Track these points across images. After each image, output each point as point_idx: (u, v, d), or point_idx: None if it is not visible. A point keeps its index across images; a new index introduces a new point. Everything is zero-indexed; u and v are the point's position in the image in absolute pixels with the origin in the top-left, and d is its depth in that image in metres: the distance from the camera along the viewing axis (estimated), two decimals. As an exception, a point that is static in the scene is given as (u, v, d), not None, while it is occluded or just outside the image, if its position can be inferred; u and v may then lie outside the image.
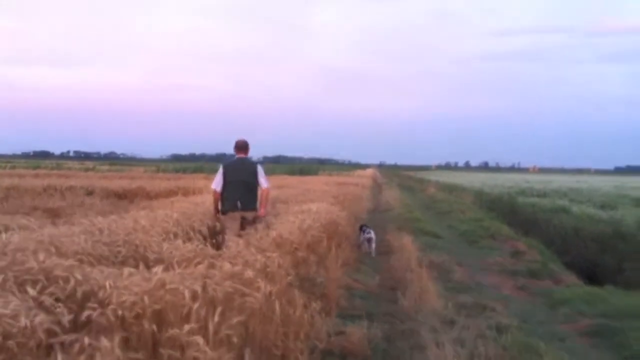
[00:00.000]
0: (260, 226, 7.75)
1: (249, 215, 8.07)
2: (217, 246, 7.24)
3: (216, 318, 3.79)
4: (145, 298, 3.82)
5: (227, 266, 4.81)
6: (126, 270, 4.32)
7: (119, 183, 21.24)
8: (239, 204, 8.02)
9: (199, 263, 5.45)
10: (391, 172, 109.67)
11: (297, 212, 9.87)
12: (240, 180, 8.16)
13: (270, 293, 4.51)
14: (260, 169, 8.30)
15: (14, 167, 47.07)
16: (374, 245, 11.04)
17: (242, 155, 8.39)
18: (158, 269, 4.40)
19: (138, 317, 3.79)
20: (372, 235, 11.11)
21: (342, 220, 10.69)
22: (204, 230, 7.78)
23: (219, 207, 8.35)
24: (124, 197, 18.54)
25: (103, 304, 3.87)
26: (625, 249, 13.46)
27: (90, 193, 18.63)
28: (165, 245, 5.94)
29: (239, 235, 7.54)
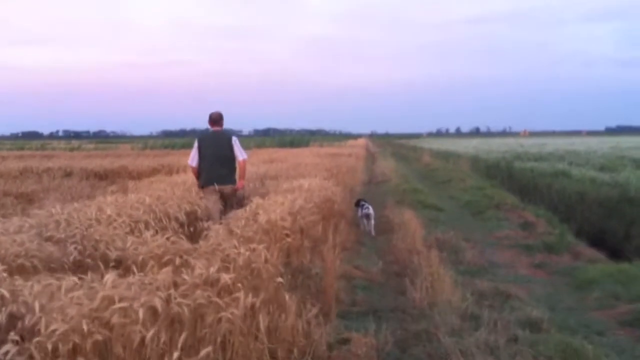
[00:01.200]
0: (243, 202, 7.72)
1: (227, 188, 7.92)
2: (196, 235, 6.35)
3: (176, 354, 2.83)
4: (85, 324, 2.88)
5: (199, 269, 3.86)
6: (65, 283, 3.37)
7: (100, 163, 20.20)
8: (215, 177, 7.85)
9: (168, 262, 4.54)
10: (383, 141, 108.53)
11: (287, 190, 8.94)
12: (215, 153, 7.96)
13: (252, 306, 3.56)
14: (235, 141, 8.08)
15: (-4, 149, 45.87)
16: (372, 222, 10.11)
17: (216, 128, 8.15)
18: (109, 278, 3.46)
19: (75, 351, 2.85)
20: (371, 210, 10.16)
21: (337, 197, 9.76)
22: (181, 216, 6.81)
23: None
24: (104, 178, 17.56)
25: (32, 333, 2.94)
26: (633, 213, 12.59)
27: (68, 174, 17.62)
28: (130, 240, 4.99)
29: (221, 212, 7.59)
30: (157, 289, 3.51)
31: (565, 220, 12.83)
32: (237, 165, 8.09)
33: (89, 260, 4.78)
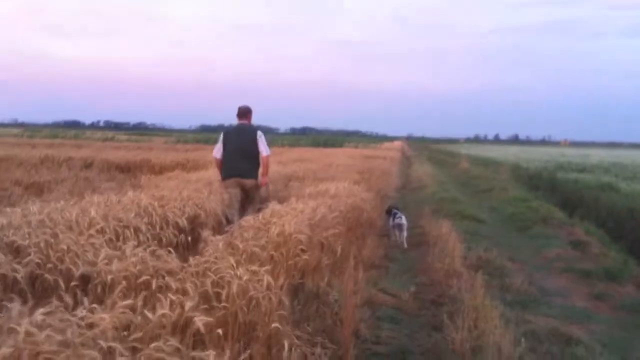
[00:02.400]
0: (265, 201, 7.28)
1: (248, 183, 7.62)
2: (195, 245, 5.40)
3: None
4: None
5: (168, 305, 2.88)
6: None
7: (122, 155, 19.47)
8: (236, 170, 7.60)
9: (144, 284, 3.60)
10: (420, 144, 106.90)
11: (310, 195, 7.98)
12: (238, 146, 7.68)
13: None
14: (260, 136, 7.75)
15: (30, 137, 45.81)
16: (405, 233, 9.03)
17: (243, 122, 7.92)
18: (38, 314, 2.51)
19: None
20: (403, 220, 9.06)
21: (367, 205, 8.72)
22: (182, 221, 5.85)
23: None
24: (126, 170, 16.82)
25: None
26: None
27: (89, 165, 16.91)
28: (103, 253, 4.02)
29: (242, 207, 7.43)
30: (103, 333, 2.55)
31: (615, 238, 11.61)
32: (260, 160, 7.73)
33: (48, 276, 3.84)
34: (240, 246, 4.54)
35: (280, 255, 4.82)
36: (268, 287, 3.69)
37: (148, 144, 40.19)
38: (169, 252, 4.24)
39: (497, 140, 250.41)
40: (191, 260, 4.05)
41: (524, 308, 5.81)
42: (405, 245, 8.85)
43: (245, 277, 3.68)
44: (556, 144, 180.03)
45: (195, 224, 6.15)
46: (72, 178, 13.54)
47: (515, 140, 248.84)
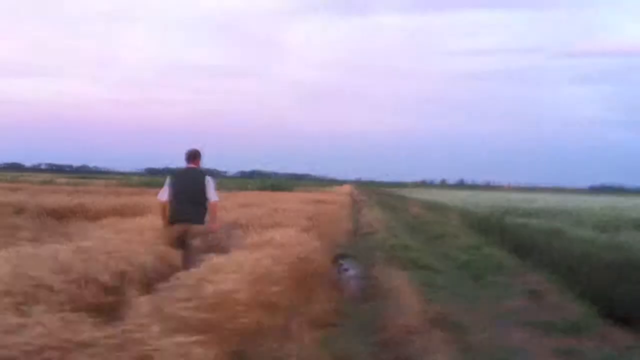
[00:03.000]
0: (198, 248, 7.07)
1: (194, 229, 7.29)
2: (121, 307, 4.71)
3: None
4: None
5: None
6: None
7: (58, 200, 18.40)
8: (183, 215, 7.31)
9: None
10: (368, 188, 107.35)
11: (254, 244, 7.36)
12: (186, 191, 7.46)
13: None
14: (209, 181, 7.54)
15: (-35, 181, 43.81)
16: (356, 282, 8.49)
17: (192, 166, 7.73)
18: None
19: None
20: (352, 272, 8.52)
21: (317, 254, 8.14)
22: (106, 279, 5.15)
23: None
24: (60, 217, 15.78)
25: None
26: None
27: (19, 212, 15.81)
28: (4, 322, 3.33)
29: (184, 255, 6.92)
30: None
31: (570, 284, 11.35)
32: (208, 207, 7.52)
33: None
34: (167, 310, 3.91)
35: (217, 318, 4.21)
36: (198, 363, 3.10)
37: (87, 187, 38.86)
38: (87, 317, 3.57)
39: (443, 185, 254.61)
40: (108, 329, 3.40)
41: (489, 371, 5.30)
42: (358, 293, 8.35)
43: (172, 350, 3.09)
44: (500, 187, 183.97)
45: (123, 280, 5.45)
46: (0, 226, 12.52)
47: (461, 185, 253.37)
